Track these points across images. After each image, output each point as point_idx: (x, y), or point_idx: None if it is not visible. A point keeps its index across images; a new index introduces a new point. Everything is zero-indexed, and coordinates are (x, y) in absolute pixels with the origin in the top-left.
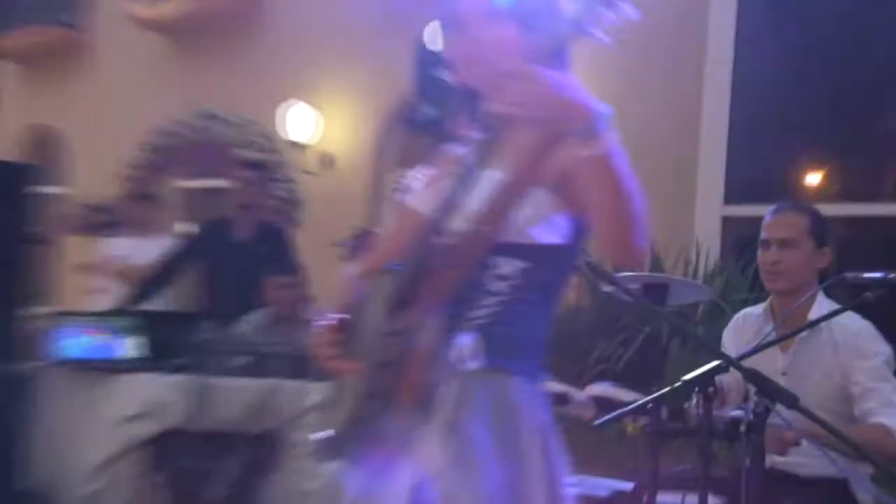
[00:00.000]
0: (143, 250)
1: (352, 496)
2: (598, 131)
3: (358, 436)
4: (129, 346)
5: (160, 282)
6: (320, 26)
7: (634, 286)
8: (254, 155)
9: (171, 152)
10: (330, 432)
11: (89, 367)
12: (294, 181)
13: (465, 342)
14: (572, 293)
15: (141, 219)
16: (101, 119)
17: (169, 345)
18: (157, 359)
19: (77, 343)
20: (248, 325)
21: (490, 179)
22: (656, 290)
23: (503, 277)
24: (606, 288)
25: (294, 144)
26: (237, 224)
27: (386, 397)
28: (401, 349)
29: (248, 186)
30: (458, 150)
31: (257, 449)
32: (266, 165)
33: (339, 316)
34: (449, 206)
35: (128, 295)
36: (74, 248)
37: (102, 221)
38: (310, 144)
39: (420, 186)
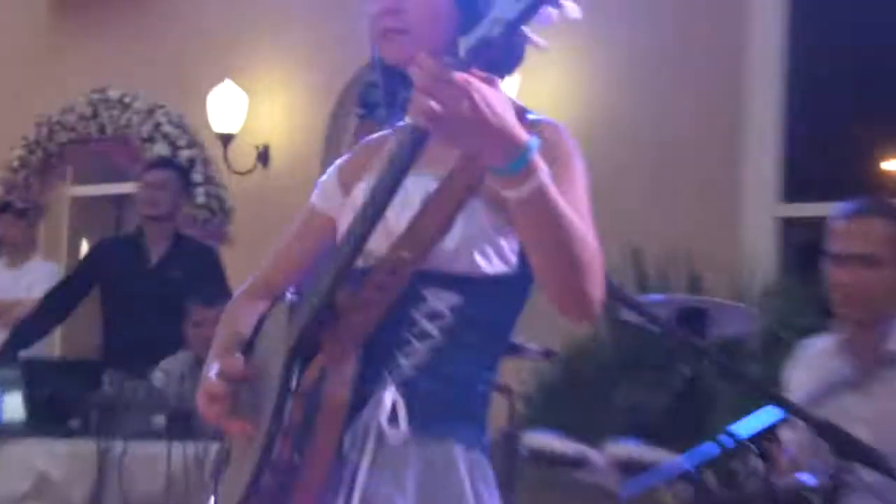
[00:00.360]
0: (20, 280)
1: None
2: (525, 168)
3: None
4: (8, 407)
5: (45, 321)
6: None
7: (665, 313)
8: (165, 150)
9: (58, 150)
10: None
11: None
12: (219, 183)
13: (387, 401)
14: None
15: (18, 239)
16: None
17: (60, 403)
18: (47, 421)
19: None
20: (165, 373)
21: (418, 186)
22: (694, 318)
23: (434, 316)
24: (628, 316)
25: (218, 135)
26: (146, 241)
27: (285, 471)
28: (303, 409)
29: (159, 191)
30: (389, 141)
31: None
32: (182, 163)
33: (231, 361)
34: (367, 217)
35: (2, 340)
36: None
37: None
38: (237, 134)
39: (331, 183)
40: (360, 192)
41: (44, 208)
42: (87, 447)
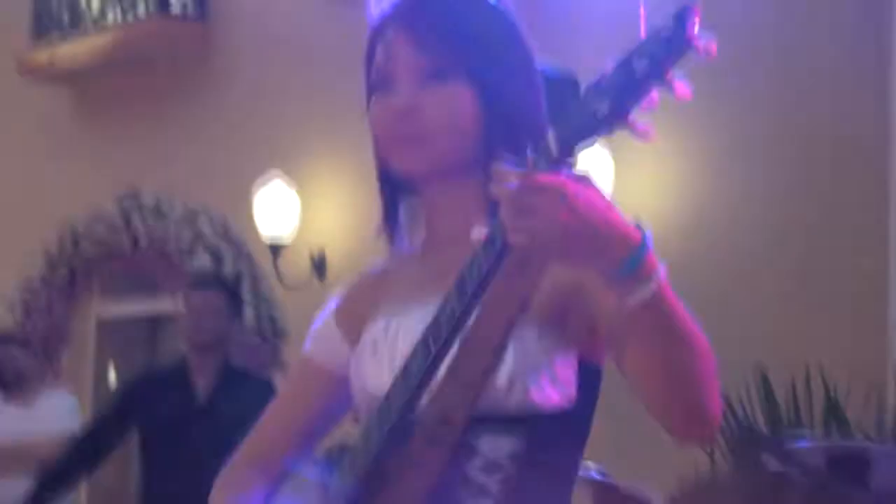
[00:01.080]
0: (30, 417)
1: None
2: (641, 267)
3: None
4: None
5: (73, 472)
6: (289, 69)
7: (813, 459)
8: (207, 262)
9: (84, 265)
10: None
11: None
12: (270, 300)
13: None
14: (703, 465)
15: (39, 370)
16: None
17: None
18: None
19: None
20: None
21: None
22: (851, 465)
23: (491, 468)
24: (769, 461)
25: (267, 243)
26: (191, 374)
27: None
28: None
29: (206, 316)
30: (393, 272)
31: None
32: (230, 281)
33: None
34: (430, 353)
35: (24, 491)
36: None
37: None
38: (288, 241)
39: (330, 331)
40: (380, 332)
41: (67, 333)
42: None
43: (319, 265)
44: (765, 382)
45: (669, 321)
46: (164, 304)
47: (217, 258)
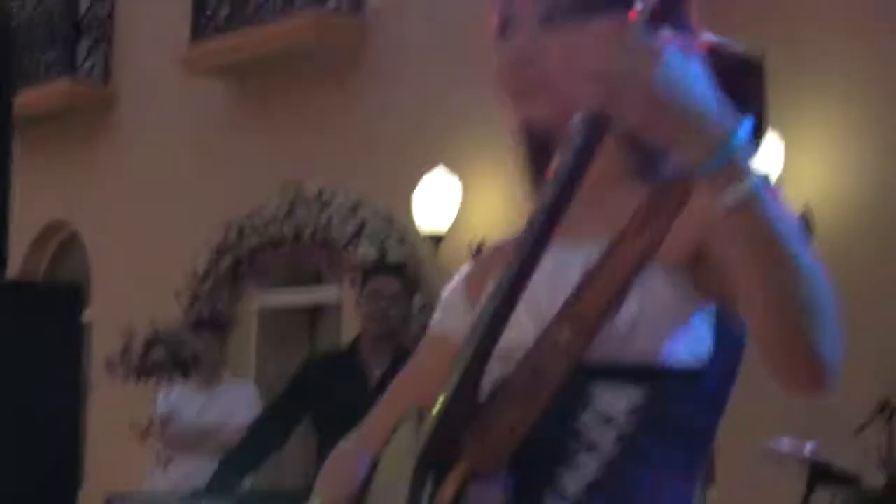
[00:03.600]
0: (213, 404)
1: None
2: (732, 163)
3: None
4: None
5: (256, 453)
6: (449, 60)
7: None
8: (372, 253)
9: (248, 255)
10: None
11: None
12: (435, 291)
13: None
14: None
15: (213, 356)
16: (140, 205)
17: None
18: None
19: None
20: None
21: (576, 258)
22: None
23: (606, 421)
24: None
25: (428, 233)
26: (364, 358)
27: None
28: None
29: (391, 304)
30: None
31: None
32: (400, 267)
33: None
34: (501, 307)
35: (215, 470)
36: (119, 402)
37: (157, 362)
38: (448, 231)
39: (459, 297)
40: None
41: (233, 321)
42: None
43: (478, 255)
44: None
45: (771, 236)
46: (325, 295)
47: (380, 248)
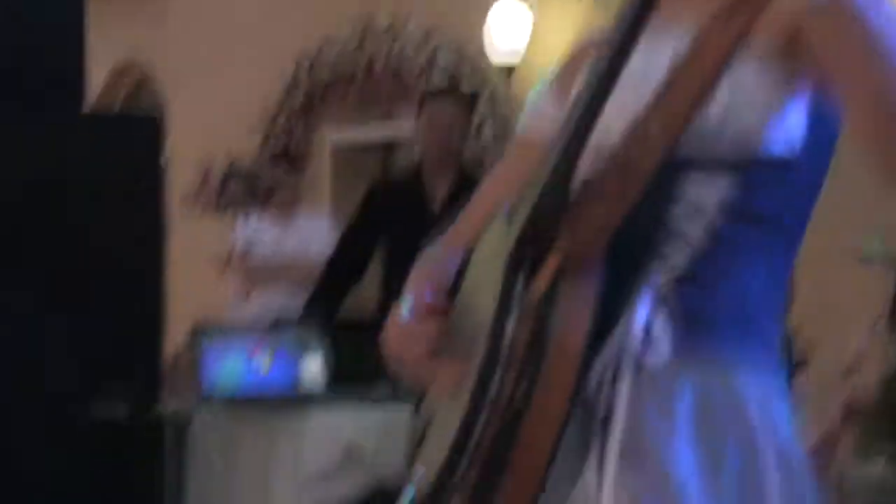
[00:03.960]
0: (289, 238)
1: None
2: None
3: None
4: (307, 372)
5: (341, 284)
6: None
7: None
8: (444, 83)
9: (320, 89)
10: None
11: (258, 403)
12: (507, 118)
13: (642, 321)
14: None
15: (289, 190)
16: (212, 41)
17: (366, 366)
18: (351, 387)
19: (235, 370)
20: None
21: (664, 47)
22: None
23: (697, 213)
24: None
25: (500, 62)
26: (425, 183)
27: (506, 415)
28: (533, 335)
29: (446, 128)
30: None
31: None
32: (468, 97)
33: (428, 292)
34: (592, 101)
35: (299, 298)
36: (198, 236)
37: (234, 195)
38: (519, 62)
39: (547, 96)
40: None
41: (307, 157)
42: (400, 415)
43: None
44: None
45: (867, 29)
46: (399, 129)
47: (453, 78)
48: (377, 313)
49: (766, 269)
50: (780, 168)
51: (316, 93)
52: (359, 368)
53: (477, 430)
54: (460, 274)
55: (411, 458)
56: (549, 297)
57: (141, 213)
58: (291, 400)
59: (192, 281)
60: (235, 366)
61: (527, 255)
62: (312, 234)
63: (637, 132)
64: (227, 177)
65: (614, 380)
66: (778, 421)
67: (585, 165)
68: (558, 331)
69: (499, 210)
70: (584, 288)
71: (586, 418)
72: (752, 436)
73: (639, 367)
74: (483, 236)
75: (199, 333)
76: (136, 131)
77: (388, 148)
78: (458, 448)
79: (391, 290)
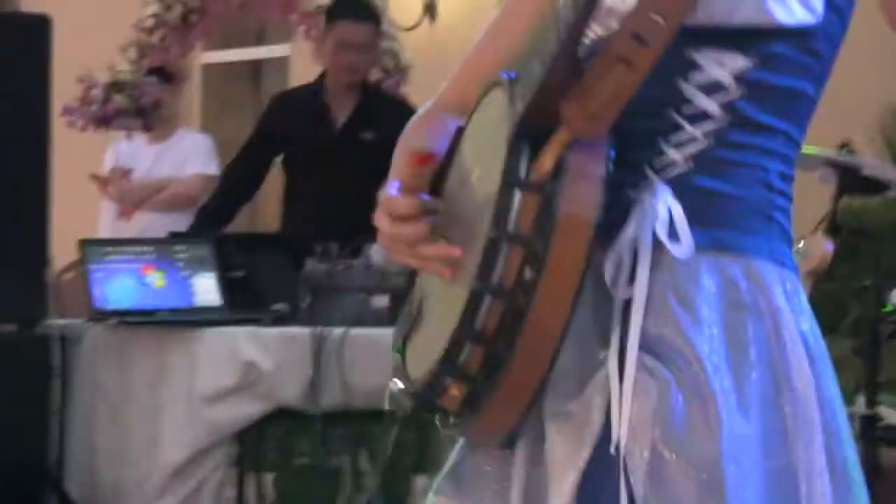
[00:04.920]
0: (166, 156)
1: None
2: None
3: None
4: (200, 290)
5: (229, 203)
6: None
7: None
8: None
9: (199, 3)
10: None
11: (150, 321)
12: (394, 36)
13: (657, 206)
14: None
15: (168, 107)
16: None
17: (261, 284)
18: (246, 305)
19: (125, 287)
20: (379, 251)
21: None
22: None
23: (713, 88)
24: None
25: None
26: (328, 97)
27: (513, 296)
28: (541, 209)
29: (361, 54)
30: None
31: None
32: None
33: (419, 170)
34: None
35: (192, 221)
36: (82, 149)
37: (119, 109)
38: None
39: None
40: None
41: (184, 74)
42: (299, 334)
43: (430, 7)
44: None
45: None
46: (274, 49)
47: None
48: (281, 227)
49: (781, 154)
50: (799, 38)
51: (195, 7)
52: (252, 287)
53: (482, 314)
54: (456, 143)
55: (401, 347)
56: (557, 173)
57: (26, 119)
58: (185, 318)
59: (75, 197)
60: (126, 282)
61: (533, 128)
62: (189, 152)
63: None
64: (110, 91)
65: (632, 267)
66: (803, 310)
67: (596, 29)
68: (567, 205)
69: (494, 72)
70: (594, 164)
71: (605, 305)
72: (779, 323)
73: (658, 256)
74: (482, 104)
75: (88, 249)
76: (24, 31)
77: (261, 68)
78: (460, 335)
79: (289, 207)
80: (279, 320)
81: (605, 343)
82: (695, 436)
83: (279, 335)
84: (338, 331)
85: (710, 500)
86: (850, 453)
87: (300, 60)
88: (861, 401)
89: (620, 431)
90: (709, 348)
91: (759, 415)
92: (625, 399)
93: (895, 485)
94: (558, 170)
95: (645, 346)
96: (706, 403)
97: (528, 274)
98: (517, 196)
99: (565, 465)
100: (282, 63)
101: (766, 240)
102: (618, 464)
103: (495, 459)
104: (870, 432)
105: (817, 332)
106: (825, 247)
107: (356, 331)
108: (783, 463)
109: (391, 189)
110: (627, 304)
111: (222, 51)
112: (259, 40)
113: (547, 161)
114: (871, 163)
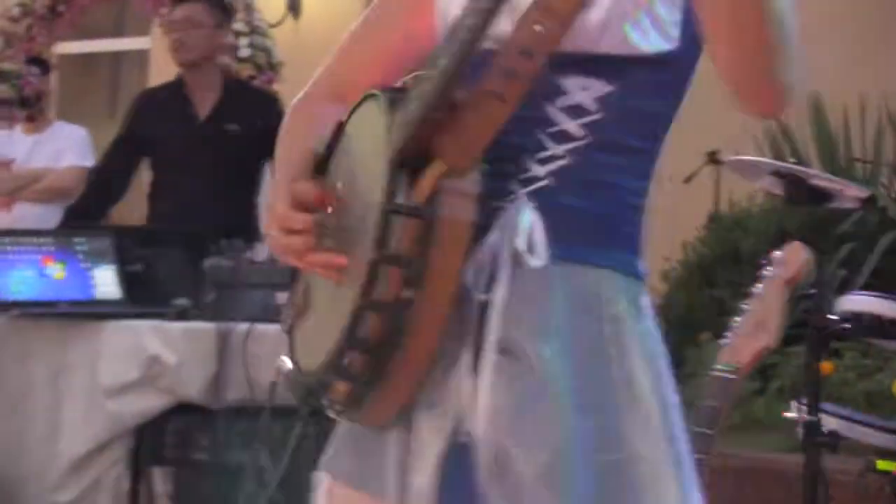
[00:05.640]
0: (44, 147)
1: (343, 471)
2: None
3: (352, 374)
4: (100, 282)
5: (100, 201)
6: None
7: None
8: None
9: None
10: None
11: (52, 313)
12: (265, 33)
13: (520, 220)
14: None
15: (45, 98)
16: None
17: (161, 277)
18: (146, 298)
19: (24, 278)
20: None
21: None
22: None
23: (577, 111)
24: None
25: None
26: (188, 91)
27: (394, 310)
28: (415, 232)
29: (191, 30)
30: None
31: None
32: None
33: (306, 186)
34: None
35: (62, 219)
36: None
37: (2, 99)
38: None
39: None
40: None
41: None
42: (204, 329)
43: (294, 4)
44: (817, 113)
45: None
46: (127, 44)
47: None
48: (147, 221)
49: (638, 174)
50: (657, 65)
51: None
52: (151, 280)
53: (364, 326)
54: (336, 139)
55: (289, 333)
56: (433, 197)
57: None
58: (87, 310)
59: None
60: (26, 273)
61: (411, 158)
62: (65, 143)
63: (520, 33)
64: None
65: (491, 277)
66: (646, 316)
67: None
68: (442, 223)
69: (378, 87)
70: (466, 187)
71: (464, 305)
72: (621, 328)
73: (515, 270)
74: (357, 118)
75: None
76: None
77: (120, 61)
78: (345, 343)
79: (158, 199)
80: (182, 315)
81: (463, 340)
82: (537, 429)
83: (183, 330)
84: (242, 326)
85: (547, 488)
86: (685, 448)
87: (160, 55)
88: (803, 408)
89: (474, 422)
90: (553, 350)
91: (599, 412)
92: (480, 393)
93: (837, 491)
94: (434, 194)
95: (499, 356)
96: (548, 401)
97: (406, 292)
98: (396, 221)
99: (429, 447)
100: (141, 56)
101: (616, 252)
102: (470, 450)
103: (373, 439)
104: (811, 438)
105: (657, 336)
106: (803, 255)
107: (261, 327)
108: (620, 457)
109: (278, 200)
110: (483, 307)
111: (79, 41)
112: (117, 31)
113: (424, 189)
114: (818, 173)
